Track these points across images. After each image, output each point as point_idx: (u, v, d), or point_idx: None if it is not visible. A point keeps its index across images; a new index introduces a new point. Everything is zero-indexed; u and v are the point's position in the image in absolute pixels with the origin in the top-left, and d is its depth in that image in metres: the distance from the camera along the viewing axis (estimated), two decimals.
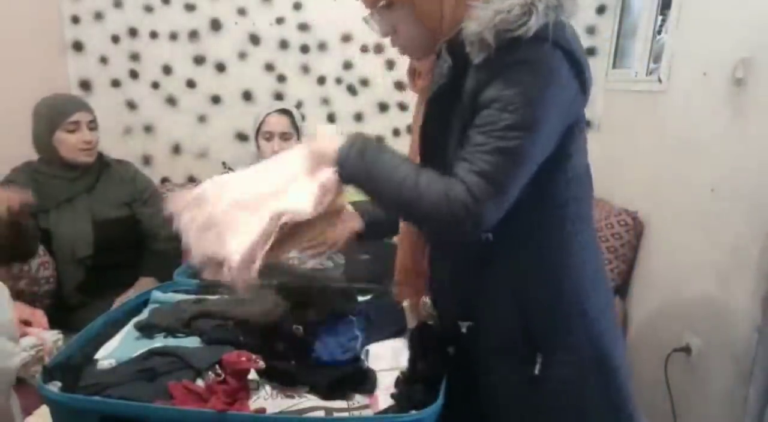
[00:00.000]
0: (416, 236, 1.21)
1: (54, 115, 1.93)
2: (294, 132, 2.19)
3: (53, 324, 1.60)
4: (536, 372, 1.05)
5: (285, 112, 2.19)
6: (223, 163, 2.33)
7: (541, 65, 0.91)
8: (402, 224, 1.26)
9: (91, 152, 1.99)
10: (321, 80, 2.80)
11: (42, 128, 1.94)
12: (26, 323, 1.54)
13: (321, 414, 1.09)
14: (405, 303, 1.32)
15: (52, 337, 1.49)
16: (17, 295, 1.74)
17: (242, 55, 2.79)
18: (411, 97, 2.78)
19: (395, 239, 1.40)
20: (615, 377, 1.08)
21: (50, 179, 1.96)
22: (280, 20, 2.75)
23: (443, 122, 1.02)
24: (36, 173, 1.97)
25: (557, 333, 1.05)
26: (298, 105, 2.78)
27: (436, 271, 1.20)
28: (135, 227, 2.08)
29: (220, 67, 2.81)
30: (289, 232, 1.08)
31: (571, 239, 1.05)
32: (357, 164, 1.00)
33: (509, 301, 1.06)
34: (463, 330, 1.13)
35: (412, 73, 1.19)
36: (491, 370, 1.12)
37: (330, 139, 1.06)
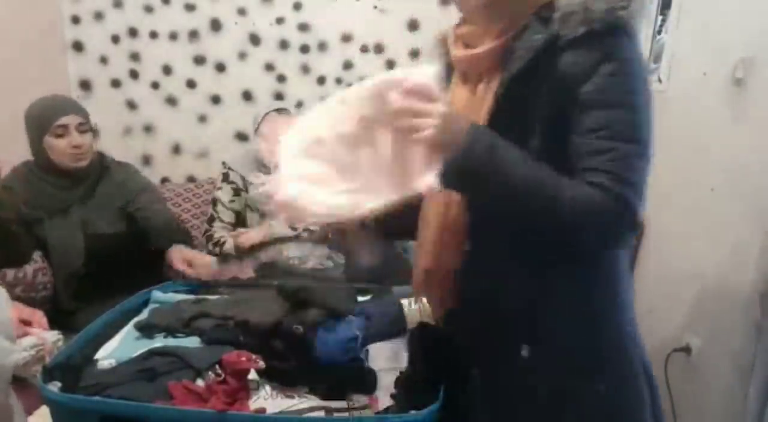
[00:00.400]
0: (449, 237, 1.00)
1: (41, 119, 1.86)
2: None
3: (52, 326, 1.60)
4: (602, 388, 0.97)
5: (283, 111, 2.20)
6: (224, 163, 2.33)
7: (641, 58, 0.89)
8: (428, 224, 1.04)
9: (82, 157, 1.89)
10: (321, 80, 2.80)
11: (32, 133, 1.88)
12: (26, 323, 1.54)
13: (321, 414, 1.10)
14: (405, 303, 1.31)
15: (53, 337, 1.49)
16: (14, 300, 1.74)
17: (242, 55, 2.79)
18: None
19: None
20: (657, 393, 1.05)
21: (45, 187, 1.91)
22: (280, 20, 2.74)
23: (522, 106, 0.90)
24: (32, 177, 1.92)
25: (620, 348, 1.00)
26: (298, 105, 2.78)
27: (471, 285, 1.02)
28: (129, 241, 1.97)
29: (220, 67, 2.81)
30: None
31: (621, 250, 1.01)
32: (484, 158, 0.83)
33: (577, 318, 0.97)
34: (524, 353, 0.98)
35: (445, 41, 1.05)
36: (554, 391, 0.98)
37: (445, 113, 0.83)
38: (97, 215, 1.93)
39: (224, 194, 2.24)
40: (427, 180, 0.81)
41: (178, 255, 1.79)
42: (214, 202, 2.25)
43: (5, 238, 1.66)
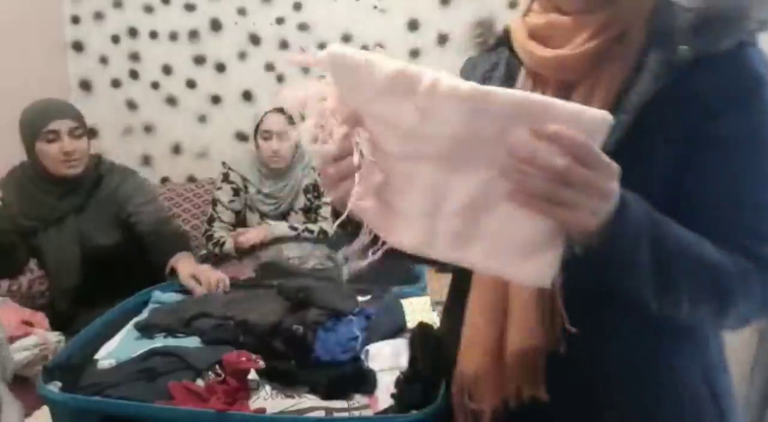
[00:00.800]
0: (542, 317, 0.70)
1: (32, 125, 1.78)
2: (292, 130, 2.20)
3: (52, 328, 1.60)
4: None
5: (282, 111, 2.20)
6: (224, 163, 2.33)
7: None
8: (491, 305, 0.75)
9: (75, 164, 1.79)
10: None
11: (25, 140, 1.81)
12: (28, 324, 1.54)
13: (321, 414, 1.09)
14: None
15: (54, 338, 1.50)
16: None
17: (242, 55, 2.79)
18: None
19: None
20: None
21: (39, 194, 1.83)
22: (280, 20, 2.74)
23: (647, 143, 0.66)
24: (26, 183, 1.84)
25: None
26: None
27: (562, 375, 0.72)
28: (128, 251, 1.88)
29: (220, 67, 2.81)
30: None
31: None
32: (643, 251, 0.59)
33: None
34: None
35: (509, 35, 0.78)
36: None
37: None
38: (94, 225, 1.86)
39: (224, 194, 2.24)
40: (536, 271, 0.57)
41: (186, 272, 1.67)
42: (214, 202, 2.26)
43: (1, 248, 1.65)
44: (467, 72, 0.89)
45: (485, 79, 0.81)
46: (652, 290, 0.62)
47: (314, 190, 2.27)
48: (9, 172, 1.93)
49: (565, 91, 0.70)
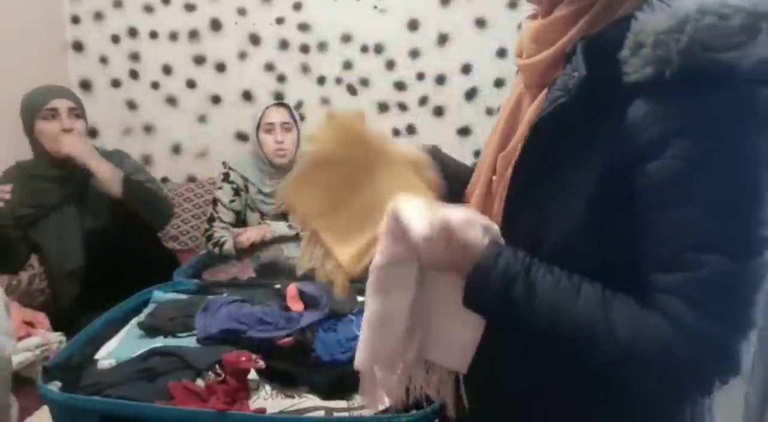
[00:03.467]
0: None
1: (31, 103, 1.82)
2: (293, 124, 2.20)
3: (53, 328, 1.60)
4: None
5: (283, 105, 2.21)
6: (224, 163, 2.33)
7: (762, 129, 0.56)
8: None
9: None
10: (321, 80, 2.80)
11: (25, 121, 1.84)
12: (29, 324, 1.54)
13: (321, 414, 1.10)
14: None
15: (56, 338, 1.50)
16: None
17: (242, 55, 2.79)
18: (413, 97, 2.81)
19: None
20: None
21: (38, 183, 1.84)
22: (280, 20, 2.74)
23: (554, 163, 0.65)
24: (24, 177, 1.85)
25: None
26: (298, 105, 2.78)
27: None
28: (129, 231, 1.89)
29: (220, 67, 2.81)
30: None
31: None
32: (504, 293, 0.63)
33: None
34: None
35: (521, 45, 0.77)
36: None
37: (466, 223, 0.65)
38: (94, 208, 1.87)
39: (224, 194, 2.24)
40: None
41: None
42: (214, 202, 2.25)
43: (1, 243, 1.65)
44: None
45: None
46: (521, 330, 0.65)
47: None
48: (4, 172, 1.91)
49: (531, 96, 0.72)
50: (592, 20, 0.64)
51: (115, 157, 2.00)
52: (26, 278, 1.88)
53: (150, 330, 1.37)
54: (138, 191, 1.84)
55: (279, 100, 2.73)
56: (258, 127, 2.20)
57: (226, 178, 2.25)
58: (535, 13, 0.72)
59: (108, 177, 1.78)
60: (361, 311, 1.36)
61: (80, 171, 1.82)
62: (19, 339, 1.46)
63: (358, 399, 1.13)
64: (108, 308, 1.73)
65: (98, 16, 2.76)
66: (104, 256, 1.84)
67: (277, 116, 2.17)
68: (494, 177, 0.74)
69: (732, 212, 0.57)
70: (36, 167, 1.86)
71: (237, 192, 2.24)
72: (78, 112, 1.85)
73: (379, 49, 2.73)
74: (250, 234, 2.09)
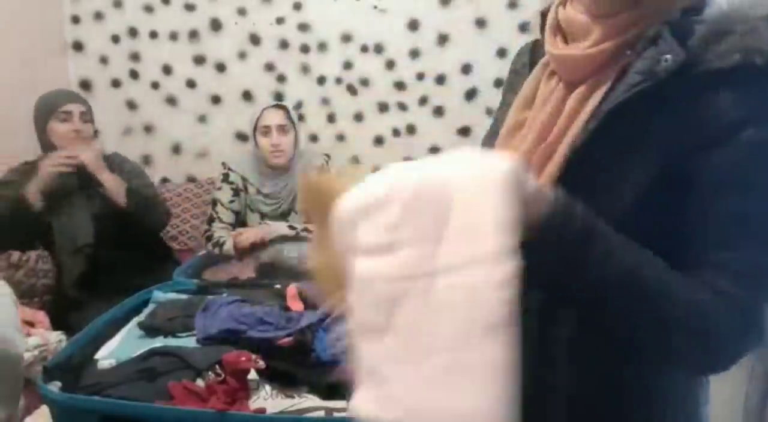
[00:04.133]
0: None
1: (48, 104, 1.96)
2: (291, 125, 2.20)
3: (54, 324, 1.61)
4: None
5: (280, 107, 2.21)
6: (223, 163, 2.33)
7: None
8: None
9: (81, 142, 1.97)
10: (321, 80, 2.80)
11: (38, 120, 1.97)
12: (29, 324, 1.54)
13: (321, 414, 1.10)
14: None
15: (55, 338, 1.50)
16: (15, 286, 1.76)
17: (242, 55, 2.79)
18: (413, 97, 2.82)
19: None
20: None
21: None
22: (280, 20, 2.74)
23: (617, 150, 0.64)
24: (34, 170, 1.94)
25: None
26: (298, 105, 2.78)
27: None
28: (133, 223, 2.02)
29: (220, 67, 2.81)
30: None
31: None
32: (578, 245, 0.58)
33: None
34: None
35: (556, 30, 0.72)
36: None
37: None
38: (100, 199, 1.98)
39: (224, 195, 2.24)
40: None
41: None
42: (214, 202, 2.26)
43: (25, 219, 1.79)
44: (520, 55, 0.86)
45: (525, 66, 0.81)
46: (577, 293, 0.62)
47: None
48: (9, 171, 1.98)
49: (571, 87, 0.69)
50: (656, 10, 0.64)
51: (115, 160, 2.12)
52: (34, 257, 1.94)
53: (150, 330, 1.37)
54: (139, 200, 1.99)
55: (279, 100, 2.74)
56: (255, 129, 2.20)
57: (225, 178, 2.26)
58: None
59: (114, 189, 1.95)
60: None
61: (85, 169, 1.94)
62: None
63: None
64: (109, 290, 1.81)
65: (98, 16, 2.76)
66: (112, 236, 1.96)
67: (274, 118, 2.18)
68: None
69: None
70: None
71: (236, 193, 2.24)
72: (88, 117, 2.02)
73: (379, 49, 2.73)
74: (250, 234, 2.09)
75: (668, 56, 0.60)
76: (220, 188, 2.26)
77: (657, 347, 0.64)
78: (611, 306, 0.62)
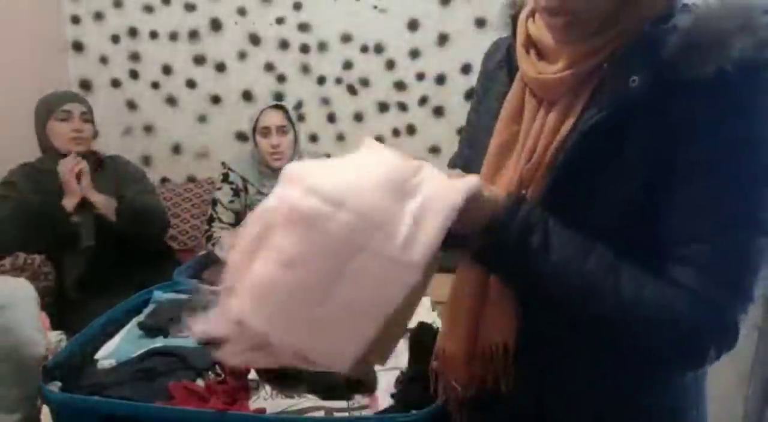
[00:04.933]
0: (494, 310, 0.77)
1: (48, 103, 1.97)
2: (290, 126, 2.20)
3: (54, 324, 1.61)
4: None
5: (279, 107, 2.21)
6: (223, 163, 2.33)
7: None
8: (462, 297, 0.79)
9: (81, 142, 1.98)
10: (321, 80, 2.80)
11: (38, 118, 1.98)
12: None
13: (321, 414, 1.10)
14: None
15: (56, 338, 1.49)
16: None
17: (242, 55, 2.79)
18: (413, 97, 2.82)
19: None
20: None
21: (47, 176, 1.94)
22: (280, 20, 2.74)
23: (600, 166, 0.66)
24: (33, 171, 1.97)
25: None
26: (298, 105, 2.78)
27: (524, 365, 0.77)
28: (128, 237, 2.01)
29: (220, 67, 2.81)
30: None
31: None
32: (513, 242, 0.63)
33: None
34: None
35: (528, 45, 0.74)
36: None
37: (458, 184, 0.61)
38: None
39: (224, 195, 2.24)
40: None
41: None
42: (214, 202, 2.26)
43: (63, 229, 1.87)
44: (490, 55, 0.89)
45: (499, 68, 0.83)
46: (532, 291, 0.68)
47: None
48: (9, 171, 1.99)
49: (548, 105, 0.72)
50: (624, 28, 0.66)
51: (116, 163, 2.14)
52: (38, 259, 1.95)
53: (150, 330, 1.37)
54: (131, 216, 1.97)
55: (279, 100, 2.74)
56: (254, 130, 2.20)
57: (225, 178, 2.26)
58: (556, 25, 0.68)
59: (104, 208, 1.94)
60: None
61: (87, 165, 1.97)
62: None
63: (358, 399, 1.13)
64: (109, 290, 1.82)
65: (98, 16, 2.76)
66: (113, 239, 1.96)
67: (273, 119, 2.18)
68: (523, 191, 0.72)
69: (757, 191, 0.62)
70: (43, 162, 2.00)
71: (236, 193, 2.24)
72: (88, 117, 2.02)
73: (379, 49, 2.73)
74: None
75: (636, 78, 0.63)
76: (220, 188, 2.26)
77: (611, 339, 0.68)
78: (552, 298, 0.67)
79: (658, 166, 0.64)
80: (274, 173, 2.20)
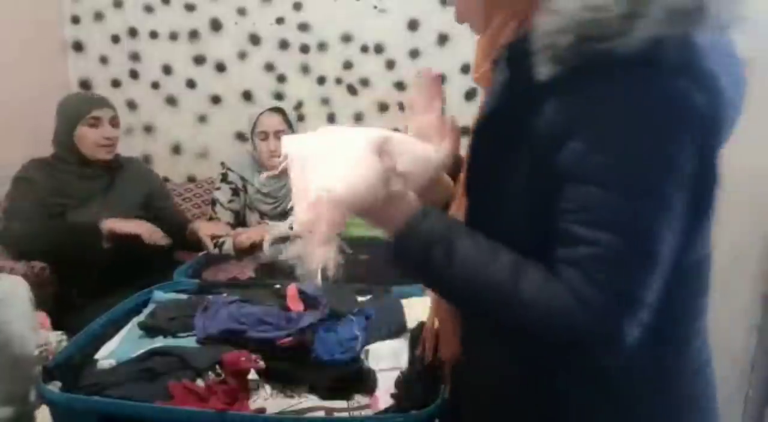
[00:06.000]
0: None
1: (78, 108, 1.95)
2: (288, 129, 2.19)
3: (54, 325, 1.60)
4: None
5: (277, 110, 2.20)
6: (222, 163, 2.33)
7: (650, 106, 0.61)
8: None
9: (110, 149, 1.99)
10: (321, 80, 2.80)
11: (65, 123, 1.95)
12: None
13: (321, 414, 1.10)
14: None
15: (56, 338, 1.49)
16: None
17: (242, 55, 2.79)
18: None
19: None
20: None
21: (68, 177, 1.96)
22: (280, 20, 2.74)
23: (495, 160, 0.72)
24: (54, 170, 1.96)
25: None
26: (298, 105, 2.78)
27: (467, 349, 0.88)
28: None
29: (220, 67, 2.81)
30: None
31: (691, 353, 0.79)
32: (424, 251, 0.70)
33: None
34: None
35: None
36: None
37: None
38: (118, 204, 2.00)
39: (223, 195, 2.24)
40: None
41: (207, 231, 2.01)
42: (213, 202, 2.26)
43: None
44: None
45: None
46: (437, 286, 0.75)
47: None
48: (26, 167, 1.97)
49: None
50: (514, 28, 0.71)
51: (134, 164, 2.17)
52: (39, 266, 1.93)
53: (150, 330, 1.37)
54: (180, 238, 2.02)
55: (279, 99, 2.74)
56: (253, 132, 2.20)
57: (224, 178, 2.26)
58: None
59: (150, 237, 1.91)
60: (361, 312, 1.37)
61: (107, 172, 2.00)
62: None
63: (358, 399, 1.13)
64: (108, 292, 1.82)
65: (98, 16, 2.76)
66: (127, 248, 1.92)
67: (271, 123, 2.17)
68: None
69: (624, 193, 0.62)
70: (63, 163, 1.97)
71: (236, 192, 2.24)
72: (116, 121, 2.02)
73: (379, 49, 2.72)
74: (251, 234, 2.09)
75: (500, 79, 0.69)
76: (219, 188, 2.26)
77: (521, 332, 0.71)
78: (457, 302, 0.76)
79: (539, 166, 0.66)
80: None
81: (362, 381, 1.17)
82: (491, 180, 0.72)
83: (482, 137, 0.73)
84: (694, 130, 0.62)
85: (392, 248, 0.72)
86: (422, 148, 0.81)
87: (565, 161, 0.63)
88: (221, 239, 2.15)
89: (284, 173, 0.79)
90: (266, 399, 1.13)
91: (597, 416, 0.75)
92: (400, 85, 2.75)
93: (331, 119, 2.84)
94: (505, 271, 0.66)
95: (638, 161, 0.61)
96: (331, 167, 0.71)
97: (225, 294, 1.54)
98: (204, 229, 2.02)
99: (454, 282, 0.70)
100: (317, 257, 0.73)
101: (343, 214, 0.70)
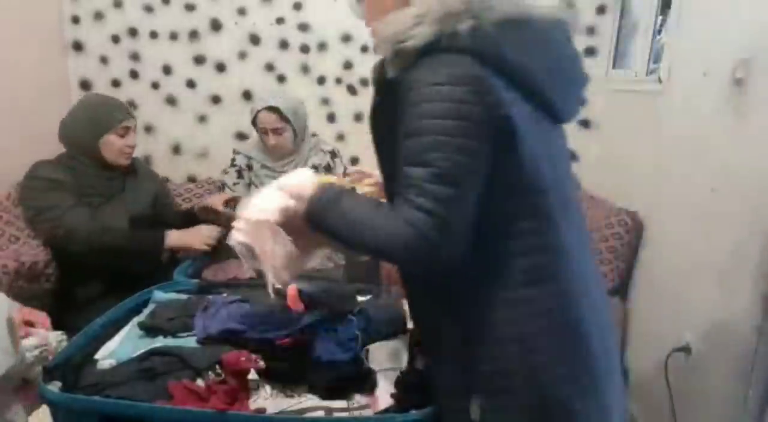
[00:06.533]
0: None
1: (109, 117, 1.96)
2: (286, 125, 2.19)
3: (54, 325, 1.60)
4: (474, 417, 0.95)
5: (272, 109, 2.20)
6: (234, 149, 2.37)
7: (443, 81, 0.85)
8: None
9: (130, 157, 2.04)
10: (321, 80, 2.80)
11: (90, 128, 1.94)
12: (29, 324, 1.54)
13: (321, 414, 1.10)
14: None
15: (56, 338, 1.49)
16: (18, 290, 1.76)
17: (242, 55, 2.79)
18: None
19: None
20: None
21: (89, 178, 1.96)
22: (280, 20, 2.74)
23: (381, 140, 1.01)
24: (73, 170, 1.96)
25: (496, 376, 0.94)
26: None
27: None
28: (160, 222, 2.09)
29: (220, 67, 2.81)
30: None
31: (512, 273, 0.92)
32: (328, 210, 0.96)
33: (452, 338, 0.98)
34: (419, 366, 1.18)
35: None
36: (442, 409, 1.04)
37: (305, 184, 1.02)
38: (135, 200, 2.06)
39: (229, 178, 2.31)
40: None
41: (219, 199, 2.10)
42: (222, 186, 2.34)
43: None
44: None
45: None
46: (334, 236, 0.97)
47: (325, 170, 2.27)
48: (45, 166, 1.96)
49: None
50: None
51: (143, 166, 2.24)
52: (42, 262, 1.94)
53: (150, 330, 1.37)
54: (177, 222, 2.10)
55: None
56: (254, 122, 2.23)
57: (232, 162, 2.32)
58: None
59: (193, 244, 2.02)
60: (361, 312, 1.37)
61: (122, 174, 2.05)
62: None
63: (358, 399, 1.13)
64: (108, 292, 1.84)
65: (98, 16, 2.76)
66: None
67: (268, 121, 2.19)
68: None
69: (427, 135, 0.85)
70: (81, 165, 1.97)
71: (240, 173, 2.28)
72: (135, 129, 2.06)
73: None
74: (215, 198, 2.12)
75: (378, 74, 0.97)
76: (227, 173, 2.31)
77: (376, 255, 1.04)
78: (345, 243, 0.98)
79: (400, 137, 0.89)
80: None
81: (362, 381, 1.17)
82: (386, 151, 0.98)
83: (372, 118, 1.03)
84: (478, 94, 0.85)
85: (309, 223, 0.98)
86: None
87: (401, 125, 0.88)
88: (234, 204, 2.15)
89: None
90: (266, 399, 1.13)
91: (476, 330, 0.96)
92: None
93: (331, 118, 2.84)
94: (372, 211, 0.92)
95: (440, 114, 0.85)
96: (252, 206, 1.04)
97: (225, 294, 1.54)
98: (214, 198, 2.11)
99: (342, 224, 0.94)
100: (270, 275, 1.03)
101: (270, 229, 1.00)
